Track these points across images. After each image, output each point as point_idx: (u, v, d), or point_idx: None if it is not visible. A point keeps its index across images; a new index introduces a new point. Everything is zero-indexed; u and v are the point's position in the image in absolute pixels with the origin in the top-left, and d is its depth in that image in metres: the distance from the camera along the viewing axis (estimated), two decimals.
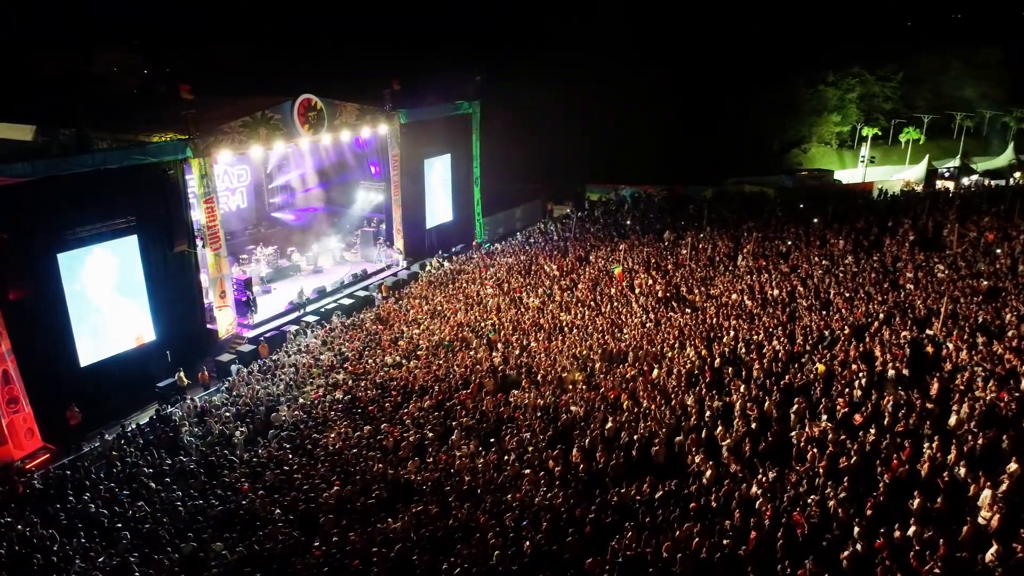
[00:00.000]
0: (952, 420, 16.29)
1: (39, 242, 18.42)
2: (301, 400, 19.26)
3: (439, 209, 35.56)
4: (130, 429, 18.26)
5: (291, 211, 33.75)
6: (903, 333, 21.01)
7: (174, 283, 22.17)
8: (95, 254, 19.84)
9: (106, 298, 20.33)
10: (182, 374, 21.15)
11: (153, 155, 20.84)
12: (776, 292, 25.65)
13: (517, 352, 21.69)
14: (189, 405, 19.54)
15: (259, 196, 33.21)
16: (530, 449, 16.06)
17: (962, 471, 14.03)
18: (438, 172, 34.91)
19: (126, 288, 20.87)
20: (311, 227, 33.26)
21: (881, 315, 22.75)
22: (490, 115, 40.43)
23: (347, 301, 27.47)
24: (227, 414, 18.65)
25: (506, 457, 15.95)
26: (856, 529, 12.75)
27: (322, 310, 26.45)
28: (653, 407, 17.63)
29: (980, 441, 15.10)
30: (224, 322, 23.86)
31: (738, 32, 58.53)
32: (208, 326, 24.02)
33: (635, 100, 53.92)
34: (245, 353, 22.86)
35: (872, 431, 15.88)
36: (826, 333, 21.79)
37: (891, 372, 18.83)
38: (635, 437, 16.19)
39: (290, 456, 16.49)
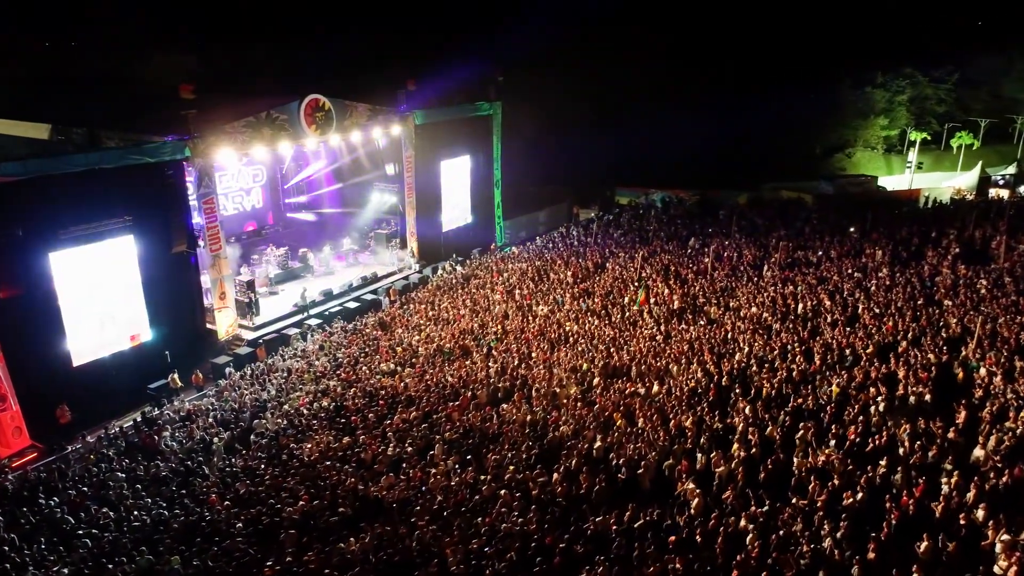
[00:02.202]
0: (977, 453, 14.81)
1: (31, 241, 18.36)
2: (286, 407, 18.77)
3: (457, 212, 34.90)
4: (113, 431, 18.08)
5: (305, 211, 33.61)
6: (930, 355, 19.42)
7: (172, 284, 22.00)
8: (90, 253, 19.72)
9: (101, 298, 20.22)
10: (175, 376, 20.95)
11: (150, 155, 20.70)
12: (800, 305, 24.15)
13: (516, 363, 20.84)
14: (175, 408, 19.29)
15: (274, 196, 33.16)
16: (510, 468, 15.18)
17: (980, 513, 12.64)
18: (456, 174, 34.24)
19: (122, 288, 20.73)
20: (324, 228, 33.04)
21: (911, 333, 21.14)
22: (518, 116, 39.59)
23: (353, 304, 27.03)
24: (210, 419, 18.32)
25: (483, 476, 15.14)
26: (854, 572, 11.61)
27: (326, 313, 26.05)
28: (648, 427, 16.56)
29: (1005, 478, 13.65)
30: (224, 323, 23.64)
31: (782, 31, 56.24)
32: (209, 326, 23.84)
33: (671, 101, 52.32)
34: (242, 356, 22.59)
35: (884, 463, 14.56)
36: (847, 352, 20.32)
37: (912, 397, 17.36)
38: (621, 461, 15.17)
39: (262, 466, 16.00)
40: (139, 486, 15.49)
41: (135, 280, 20.94)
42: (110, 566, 12.97)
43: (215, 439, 17.24)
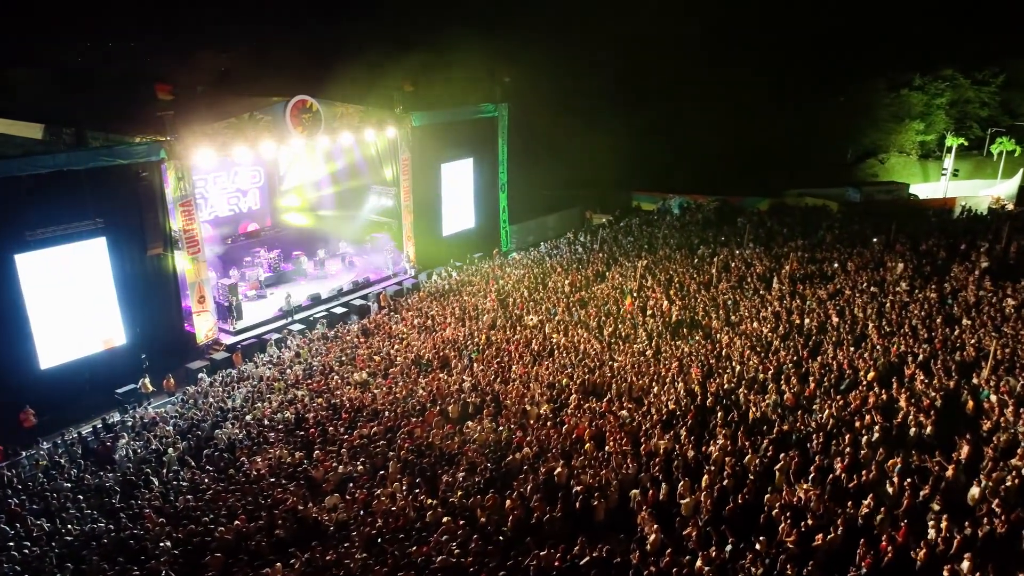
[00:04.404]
0: (973, 492, 13.37)
1: None
2: (249, 418, 18.15)
3: (459, 216, 34.03)
4: (70, 438, 17.69)
5: (300, 214, 33.14)
6: (937, 380, 17.86)
7: (148, 286, 21.60)
8: (59, 256, 19.43)
9: (71, 300, 19.91)
10: (146, 380, 20.53)
11: (122, 157, 20.31)
12: (805, 322, 22.68)
13: (493, 376, 19.89)
14: (137, 415, 18.85)
15: (271, 198, 32.79)
16: (459, 493, 14.26)
17: (965, 564, 11.28)
18: (458, 177, 33.35)
19: (94, 291, 20.40)
20: (319, 231, 32.51)
21: (921, 355, 19.55)
22: (530, 117, 38.57)
23: (340, 310, 26.40)
24: (169, 428, 17.80)
25: (431, 500, 14.25)
26: None
27: (311, 318, 25.45)
28: (615, 452, 15.45)
29: (1001, 524, 12.22)
30: (203, 328, 23.20)
31: (814, 30, 53.85)
32: (189, 330, 23.45)
33: (695, 102, 50.60)
34: (218, 361, 22.12)
35: (868, 501, 13.22)
36: (848, 374, 18.86)
37: (911, 428, 15.91)
38: (579, 488, 14.10)
39: (206, 480, 15.37)
40: (81, 497, 15.01)
41: (108, 283, 20.61)
42: None
43: (169, 449, 16.70)
